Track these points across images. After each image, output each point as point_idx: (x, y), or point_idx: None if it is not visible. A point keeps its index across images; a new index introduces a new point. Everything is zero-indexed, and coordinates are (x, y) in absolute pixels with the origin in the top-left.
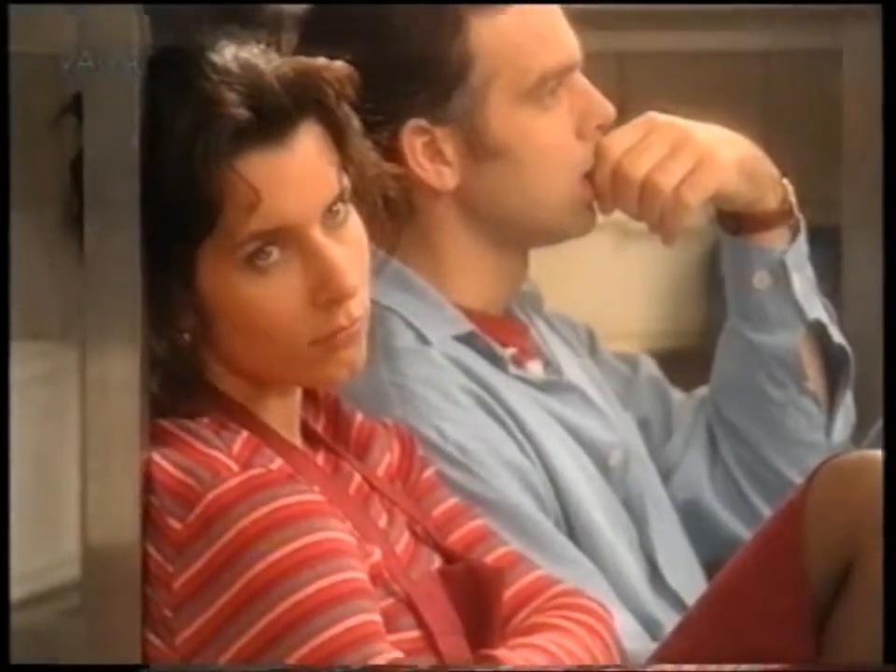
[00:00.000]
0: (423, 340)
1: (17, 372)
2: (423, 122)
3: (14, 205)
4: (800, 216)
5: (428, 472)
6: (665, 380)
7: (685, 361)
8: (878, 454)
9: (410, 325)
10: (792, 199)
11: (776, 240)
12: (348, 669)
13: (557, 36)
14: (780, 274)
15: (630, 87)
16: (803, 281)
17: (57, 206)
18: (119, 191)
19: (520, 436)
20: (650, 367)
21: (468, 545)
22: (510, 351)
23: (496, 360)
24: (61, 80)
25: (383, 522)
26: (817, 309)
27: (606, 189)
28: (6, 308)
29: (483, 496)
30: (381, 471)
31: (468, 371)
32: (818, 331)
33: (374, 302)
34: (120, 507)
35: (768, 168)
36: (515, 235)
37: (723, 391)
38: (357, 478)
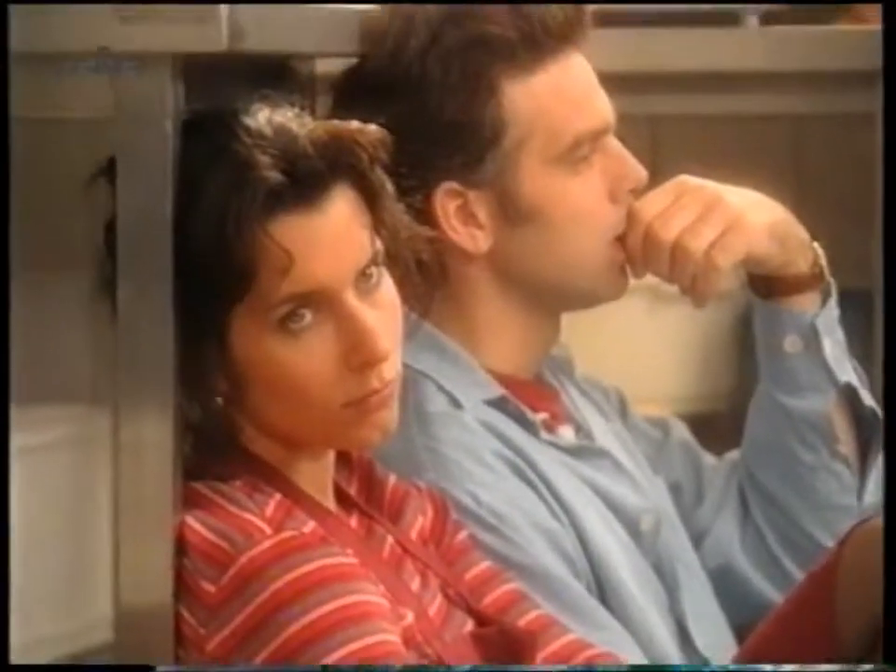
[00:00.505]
0: (455, 404)
1: (50, 435)
2: (456, 185)
3: (48, 268)
4: (831, 279)
5: (461, 536)
6: (696, 444)
7: (717, 425)
8: None
9: (442, 389)
10: (823, 263)
11: (806, 304)
12: (348, 669)
13: (590, 100)
14: (811, 338)
15: (663, 150)
16: (833, 345)
17: (91, 270)
18: (152, 255)
19: (552, 500)
20: (681, 431)
21: (500, 608)
22: (541, 416)
23: (527, 425)
24: (96, 144)
25: (416, 584)
26: (847, 372)
27: (637, 252)
28: (6, 372)
29: (516, 560)
30: (414, 534)
31: (500, 436)
32: (849, 395)
33: (407, 366)
34: (153, 570)
35: (799, 232)
36: (548, 299)
37: (755, 454)
38: (390, 540)
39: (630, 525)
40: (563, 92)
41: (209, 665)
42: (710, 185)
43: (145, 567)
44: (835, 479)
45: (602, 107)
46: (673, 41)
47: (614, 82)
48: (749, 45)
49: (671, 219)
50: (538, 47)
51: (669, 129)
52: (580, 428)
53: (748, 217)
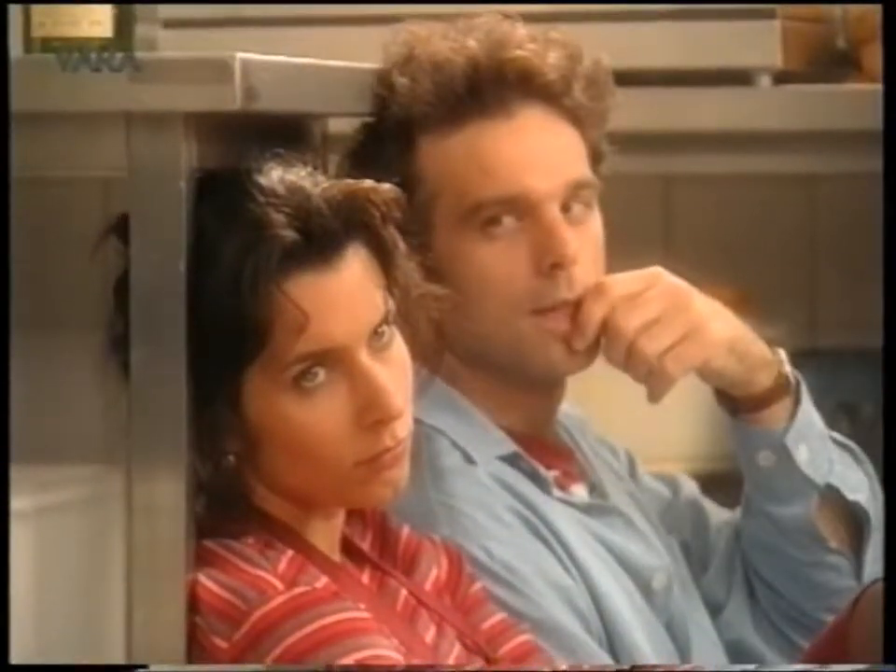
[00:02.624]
0: (469, 460)
1: (63, 495)
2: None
3: (61, 327)
4: (799, 383)
5: (476, 587)
6: (704, 503)
7: (731, 484)
8: None
9: (456, 445)
10: (787, 371)
11: (775, 418)
12: (346, 668)
13: (504, 169)
14: (783, 453)
15: (676, 209)
16: (810, 451)
17: (102, 329)
18: (165, 314)
19: (565, 557)
20: (690, 489)
21: (517, 658)
22: (553, 473)
23: (539, 482)
24: (110, 203)
25: (431, 635)
26: (828, 472)
27: (591, 328)
28: (6, 429)
29: (529, 614)
30: (429, 585)
31: (513, 492)
32: (832, 494)
33: (420, 422)
34: (166, 628)
35: (760, 349)
36: (493, 372)
37: (751, 548)
38: (404, 593)
39: (642, 583)
40: (474, 157)
41: (209, 665)
42: (682, 286)
43: (157, 625)
44: (833, 570)
45: (519, 179)
46: (685, 101)
47: (627, 141)
48: (761, 105)
49: (634, 310)
50: (456, 109)
51: (682, 188)
52: (594, 487)
53: (709, 328)
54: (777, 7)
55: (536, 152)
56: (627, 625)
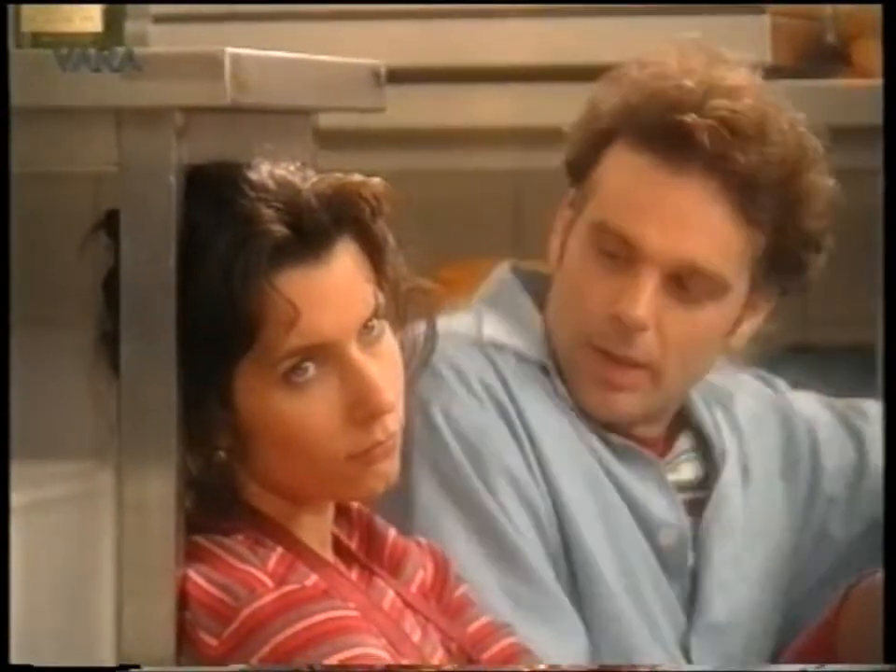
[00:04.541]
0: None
1: (53, 491)
2: None
3: (51, 324)
4: None
5: (461, 590)
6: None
7: None
8: None
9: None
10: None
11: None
12: (328, 668)
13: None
14: None
15: None
16: None
17: (92, 325)
18: (155, 309)
19: (531, 454)
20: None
21: (503, 661)
22: None
23: (559, 398)
24: (100, 198)
25: (416, 637)
26: None
27: None
28: (6, 428)
29: (473, 497)
30: (414, 588)
31: (502, 378)
32: None
33: None
34: (156, 624)
35: None
36: None
37: None
38: (391, 594)
39: (649, 535)
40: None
41: (208, 665)
42: None
43: (147, 621)
44: None
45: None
46: None
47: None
48: None
49: None
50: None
51: None
52: (700, 444)
53: None
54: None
55: None
56: (590, 552)
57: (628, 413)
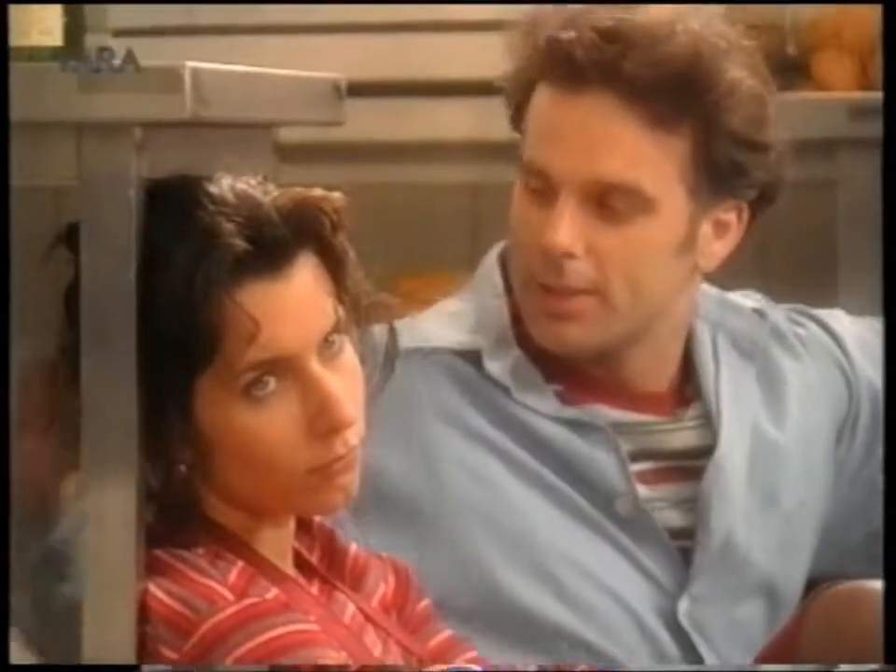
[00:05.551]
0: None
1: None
2: None
3: (11, 336)
4: None
5: (423, 604)
6: None
7: None
8: (872, 584)
9: None
10: None
11: None
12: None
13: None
14: None
15: None
16: None
17: (52, 338)
18: (116, 323)
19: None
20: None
21: None
22: (554, 387)
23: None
24: (59, 212)
25: (377, 651)
26: None
27: None
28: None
29: None
30: (376, 602)
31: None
32: None
33: None
34: (116, 638)
35: None
36: None
37: None
38: (352, 608)
39: (601, 501)
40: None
41: (208, 665)
42: None
43: (107, 634)
44: None
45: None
46: None
47: None
48: None
49: None
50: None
51: None
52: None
53: None
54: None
55: None
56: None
57: (581, 343)
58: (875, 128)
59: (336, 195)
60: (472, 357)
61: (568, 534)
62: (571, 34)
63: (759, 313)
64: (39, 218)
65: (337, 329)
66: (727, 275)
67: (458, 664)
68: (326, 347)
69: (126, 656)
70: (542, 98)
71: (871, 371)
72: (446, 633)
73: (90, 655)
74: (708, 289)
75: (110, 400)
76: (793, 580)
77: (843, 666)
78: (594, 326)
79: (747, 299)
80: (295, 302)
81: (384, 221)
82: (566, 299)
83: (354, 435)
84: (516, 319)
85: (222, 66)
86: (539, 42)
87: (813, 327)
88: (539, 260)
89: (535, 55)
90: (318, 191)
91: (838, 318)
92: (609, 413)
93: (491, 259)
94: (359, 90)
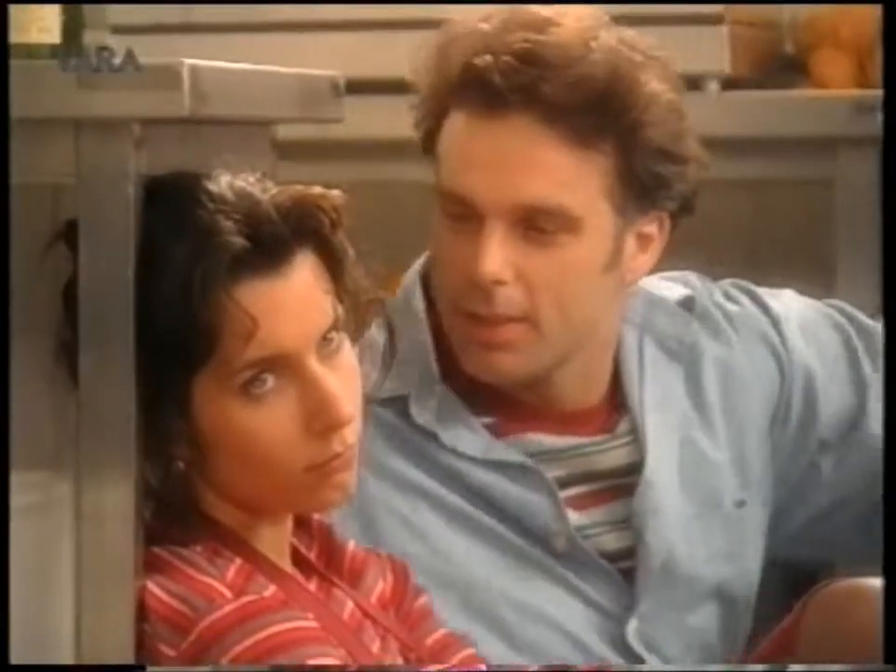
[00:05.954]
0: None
1: (12, 502)
2: None
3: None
4: None
5: (421, 601)
6: None
7: None
8: (871, 581)
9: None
10: None
11: None
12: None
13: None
14: None
15: None
16: None
17: (51, 335)
18: (114, 320)
19: None
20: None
21: None
22: (484, 420)
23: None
24: (58, 209)
25: (376, 648)
26: None
27: None
28: (6, 438)
29: None
30: (374, 599)
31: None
32: None
33: None
34: (114, 635)
35: None
36: None
37: None
38: (350, 605)
39: (540, 542)
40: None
41: (209, 665)
42: None
43: (106, 632)
44: None
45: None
46: None
47: None
48: (709, 110)
49: None
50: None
51: None
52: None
53: None
54: (725, 13)
55: None
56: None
57: (513, 371)
58: (874, 126)
59: (335, 193)
60: (398, 405)
61: (510, 575)
62: (487, 58)
63: (688, 301)
64: (38, 215)
65: (335, 326)
66: (725, 273)
67: (455, 661)
68: (324, 345)
69: (125, 654)
70: (457, 124)
71: (807, 352)
72: (444, 630)
73: (88, 653)
74: (637, 287)
75: (108, 398)
76: (745, 578)
77: (843, 666)
78: (525, 353)
79: (677, 283)
80: (294, 300)
81: (382, 219)
82: (496, 327)
83: (351, 433)
84: (440, 346)
85: (221, 64)
86: (451, 68)
87: (748, 304)
88: (467, 289)
89: (447, 81)
90: (317, 189)
91: (780, 297)
92: (542, 440)
93: (411, 279)
94: (358, 87)
